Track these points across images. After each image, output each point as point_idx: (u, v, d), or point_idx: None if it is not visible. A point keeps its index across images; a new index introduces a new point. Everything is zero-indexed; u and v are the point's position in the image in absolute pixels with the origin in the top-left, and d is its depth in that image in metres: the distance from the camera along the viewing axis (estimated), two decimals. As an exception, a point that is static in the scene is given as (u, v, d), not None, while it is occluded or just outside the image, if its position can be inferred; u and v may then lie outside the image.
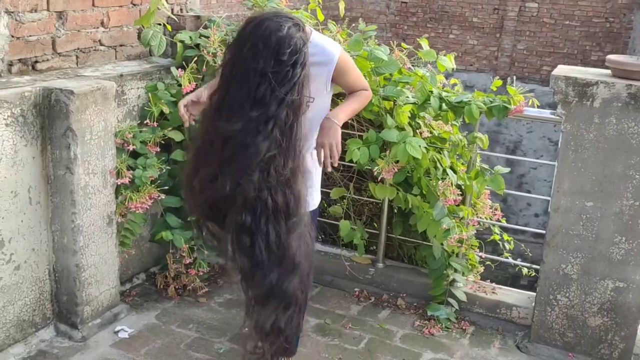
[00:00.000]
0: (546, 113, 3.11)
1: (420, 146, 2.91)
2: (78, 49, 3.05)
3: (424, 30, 13.25)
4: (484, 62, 12.80)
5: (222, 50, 3.19)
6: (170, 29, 3.26)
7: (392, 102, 3.18)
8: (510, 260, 3.52)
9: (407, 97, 3.05)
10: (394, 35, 13.51)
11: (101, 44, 3.17)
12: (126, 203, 3.02)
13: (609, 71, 2.92)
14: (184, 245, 3.22)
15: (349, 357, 2.96)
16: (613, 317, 2.97)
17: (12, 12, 2.71)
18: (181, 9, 3.56)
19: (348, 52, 3.19)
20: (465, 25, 12.98)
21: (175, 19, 3.33)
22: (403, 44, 3.30)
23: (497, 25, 12.84)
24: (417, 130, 3.18)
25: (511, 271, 5.15)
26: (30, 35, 2.81)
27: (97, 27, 3.12)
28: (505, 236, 3.60)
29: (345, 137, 3.41)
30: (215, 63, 3.18)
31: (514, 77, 3.14)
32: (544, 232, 3.10)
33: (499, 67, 12.90)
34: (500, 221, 3.45)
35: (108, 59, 3.23)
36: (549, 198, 3.12)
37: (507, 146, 12.26)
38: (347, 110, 2.41)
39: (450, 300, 3.30)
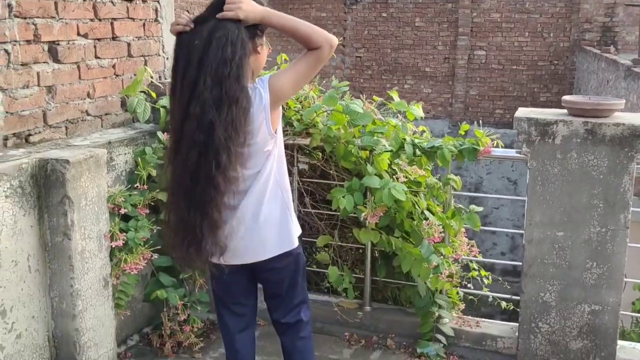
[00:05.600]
0: (512, 152, 3.35)
1: (402, 189, 3.10)
2: (67, 120, 3.18)
3: (380, 82, 13.75)
4: (440, 109, 13.30)
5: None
6: (155, 96, 3.42)
7: (368, 152, 3.38)
8: (490, 293, 3.69)
9: (384, 145, 3.26)
10: (351, 88, 13.93)
11: (88, 114, 3.31)
12: (120, 265, 3.10)
13: (565, 110, 3.18)
14: (179, 302, 3.30)
15: (347, 399, 3.06)
16: (592, 339, 3.15)
17: (5, 89, 2.83)
18: (160, 76, 3.73)
19: (322, 106, 3.41)
20: (419, 75, 13.53)
21: (159, 84, 3.49)
22: (375, 97, 3.53)
23: (449, 74, 13.42)
24: (394, 176, 3.37)
25: (484, 310, 5.32)
26: (23, 110, 2.93)
27: (84, 99, 3.26)
28: (483, 272, 3.78)
29: (327, 187, 3.60)
30: (199, 125, 3.33)
31: (480, 121, 3.38)
32: (520, 263, 3.28)
33: (453, 113, 13.42)
34: (477, 257, 3.63)
35: (95, 127, 3.36)
36: (522, 232, 3.32)
37: (469, 188, 12.64)
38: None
39: (438, 336, 3.43)
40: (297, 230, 2.36)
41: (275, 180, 2.24)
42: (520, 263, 3.28)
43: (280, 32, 2.23)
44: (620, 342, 3.23)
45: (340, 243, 3.67)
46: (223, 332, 2.53)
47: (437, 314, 3.44)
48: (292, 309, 2.44)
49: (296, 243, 2.33)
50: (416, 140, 3.36)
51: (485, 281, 3.71)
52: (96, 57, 3.31)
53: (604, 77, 9.87)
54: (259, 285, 2.49)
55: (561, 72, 12.88)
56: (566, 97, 3.18)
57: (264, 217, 2.23)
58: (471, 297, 3.73)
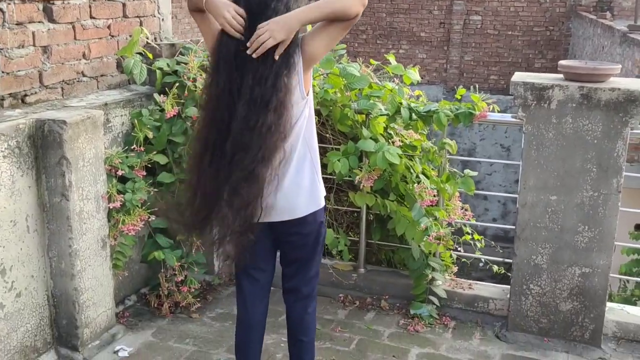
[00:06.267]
0: (507, 117, 3.37)
1: (396, 153, 3.12)
2: (63, 81, 3.16)
3: (375, 46, 13.66)
4: (434, 75, 13.24)
5: (201, 76, 3.35)
6: (151, 57, 3.40)
7: (364, 115, 3.39)
8: (483, 256, 3.75)
9: (380, 109, 3.27)
10: (345, 53, 13.87)
11: (84, 75, 3.29)
12: (118, 226, 3.13)
13: (561, 75, 3.19)
14: (176, 264, 3.34)
15: (342, 357, 3.12)
16: (582, 300, 3.21)
17: (1, 49, 2.81)
18: (155, 38, 3.70)
19: (319, 69, 3.40)
20: (414, 40, 13.43)
21: (155, 46, 3.47)
22: (372, 60, 3.52)
23: (444, 39, 13.33)
24: (390, 140, 3.39)
25: (474, 275, 5.38)
26: (19, 70, 2.92)
27: (80, 59, 3.24)
28: (476, 236, 3.83)
29: (323, 151, 3.61)
30: (195, 88, 3.33)
31: (477, 86, 3.39)
32: (513, 227, 3.33)
33: (448, 79, 13.37)
34: (470, 221, 3.68)
35: (91, 89, 3.34)
36: (516, 196, 3.36)
37: (462, 154, 12.66)
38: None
39: (431, 298, 3.50)
40: (323, 191, 2.35)
41: (304, 139, 2.23)
42: (514, 227, 3.32)
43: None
44: (609, 304, 3.30)
45: (335, 206, 3.71)
46: (239, 296, 2.51)
47: (430, 276, 3.49)
48: (308, 281, 2.45)
49: (322, 203, 2.34)
50: (412, 105, 3.38)
51: (478, 245, 3.77)
52: (91, 17, 3.28)
53: (600, 43, 9.84)
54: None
55: (556, 38, 12.82)
56: (562, 62, 3.18)
57: (292, 177, 2.22)
58: (464, 259, 3.78)
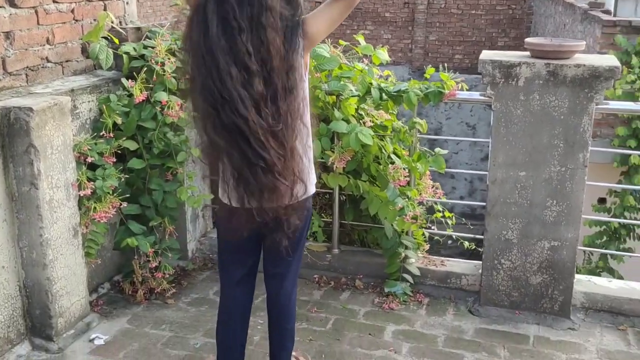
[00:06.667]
0: (476, 95, 3.41)
1: (369, 134, 3.13)
2: (27, 67, 3.09)
3: (339, 27, 13.51)
4: (400, 55, 13.28)
5: (169, 60, 3.31)
6: (117, 42, 3.34)
7: (335, 97, 3.39)
8: (454, 233, 3.80)
9: (351, 90, 3.27)
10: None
11: (48, 61, 3.22)
12: (89, 214, 3.09)
13: (527, 53, 3.24)
14: (150, 250, 3.32)
15: (319, 337, 3.15)
16: (551, 273, 3.29)
17: (-39, 35, 2.74)
18: (120, 22, 3.64)
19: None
20: (379, 20, 13.44)
21: (120, 30, 3.41)
22: (341, 41, 3.52)
23: (408, 19, 13.37)
24: (361, 121, 3.40)
25: (443, 252, 5.46)
26: (-19, 57, 2.85)
27: (44, 45, 3.17)
28: (447, 213, 3.88)
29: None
30: (164, 72, 3.29)
31: (445, 65, 3.42)
32: (484, 204, 3.39)
33: (413, 59, 13.44)
34: (441, 199, 3.72)
35: (56, 75, 3.28)
36: (485, 172, 3.41)
37: (429, 134, 12.77)
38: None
39: (405, 275, 3.54)
40: (314, 177, 2.33)
41: (302, 122, 2.18)
42: (484, 204, 3.38)
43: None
44: (577, 276, 3.39)
45: (308, 188, 3.71)
46: (223, 279, 2.49)
47: (403, 254, 3.54)
48: (295, 266, 2.45)
49: (313, 190, 2.33)
50: (382, 85, 3.39)
51: (450, 222, 3.82)
52: (54, 1, 3.20)
53: (561, 21, 9.98)
54: None
55: (519, 17, 12.97)
56: (529, 40, 3.23)
57: None
58: (436, 237, 3.84)
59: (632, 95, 7.00)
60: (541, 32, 11.66)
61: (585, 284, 3.47)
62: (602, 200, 7.77)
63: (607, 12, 7.97)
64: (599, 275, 6.95)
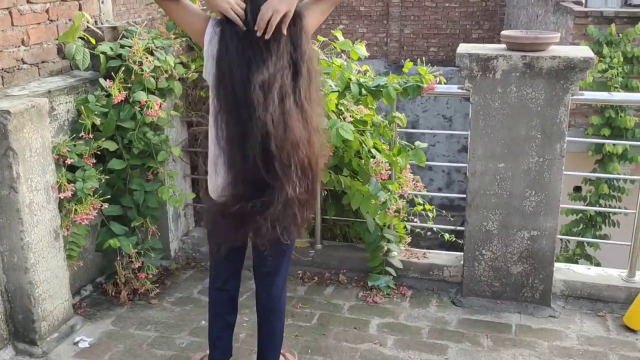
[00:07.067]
0: (454, 88, 3.44)
1: (350, 129, 3.15)
2: (2, 69, 3.05)
3: (314, 22, 13.56)
4: (375, 49, 13.31)
5: (147, 59, 3.29)
6: (94, 42, 3.31)
7: (314, 92, 3.40)
8: (435, 226, 3.84)
9: (331, 86, 3.29)
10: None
11: (24, 62, 3.18)
12: (70, 216, 3.06)
13: (504, 45, 3.28)
14: (132, 251, 3.30)
15: (305, 333, 3.17)
16: (531, 262, 3.34)
17: None
18: (96, 21, 3.60)
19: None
20: (354, 14, 13.45)
21: (96, 30, 3.38)
22: (319, 37, 3.53)
23: (383, 13, 13.40)
24: (341, 116, 3.42)
25: (423, 244, 5.50)
26: (-45, 60, 2.80)
27: (19, 46, 3.13)
28: (428, 206, 3.92)
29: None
30: (142, 72, 3.27)
31: (423, 59, 3.44)
32: (464, 196, 3.42)
33: (389, 52, 13.48)
34: (422, 192, 3.75)
35: (32, 76, 3.24)
36: (465, 165, 3.45)
37: (406, 127, 12.84)
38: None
39: (388, 269, 3.57)
40: None
41: None
42: (464, 196, 3.42)
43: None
44: (556, 264, 3.44)
45: (289, 184, 3.71)
46: (213, 273, 2.56)
47: (385, 248, 3.56)
48: (282, 264, 2.49)
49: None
50: (361, 80, 3.41)
51: (430, 215, 3.86)
52: (28, 1, 3.16)
53: (534, 12, 10.08)
54: None
55: (492, 8, 13.06)
56: (505, 32, 3.26)
57: None
58: (418, 230, 3.87)
59: (604, 85, 7.12)
60: (514, 23, 11.77)
61: (564, 272, 3.53)
62: (577, 189, 7.89)
63: (579, 3, 8.07)
64: (576, 262, 7.07)
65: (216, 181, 2.27)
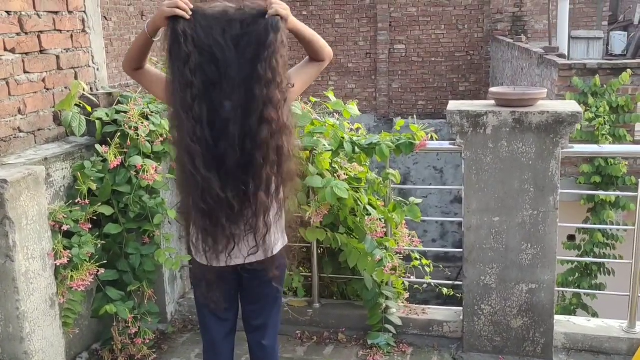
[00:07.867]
0: (446, 144, 3.50)
1: (344, 187, 3.18)
2: (-1, 138, 3.08)
3: (304, 80, 13.78)
4: (365, 104, 13.50)
5: (142, 124, 3.33)
6: (90, 110, 3.36)
7: (308, 152, 3.44)
8: (433, 281, 3.83)
9: (324, 145, 3.33)
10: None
11: (20, 131, 3.21)
12: (66, 283, 3.04)
13: (492, 101, 3.35)
14: (129, 316, 3.26)
15: (305, 395, 3.12)
16: (531, 316, 3.33)
17: None
18: (91, 88, 3.66)
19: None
20: (342, 71, 13.70)
21: (92, 97, 3.43)
22: (311, 98, 3.60)
23: (371, 69, 13.66)
24: (335, 174, 3.45)
25: (419, 297, 5.49)
26: (-48, 131, 2.83)
27: (15, 115, 3.17)
28: (425, 260, 3.92)
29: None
30: (137, 136, 3.31)
31: (415, 116, 3.50)
32: (461, 250, 3.43)
33: (378, 107, 13.67)
34: (418, 247, 3.76)
35: (28, 144, 3.26)
36: (460, 219, 3.47)
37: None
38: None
39: (387, 326, 3.54)
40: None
41: None
42: (461, 250, 3.43)
43: (297, 38, 2.29)
44: (556, 317, 3.43)
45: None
46: (206, 339, 2.50)
47: (384, 305, 3.54)
48: (275, 317, 2.46)
49: (286, 240, 2.40)
50: (354, 138, 3.46)
51: (428, 270, 3.85)
52: (25, 71, 3.21)
53: (518, 65, 10.31)
54: None
55: (477, 62, 13.35)
56: (493, 89, 3.34)
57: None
58: (417, 286, 3.86)
59: (591, 134, 7.24)
60: (500, 76, 12.02)
61: (564, 324, 3.51)
62: (571, 237, 7.92)
63: (562, 55, 8.28)
64: (574, 312, 7.04)
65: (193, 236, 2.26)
